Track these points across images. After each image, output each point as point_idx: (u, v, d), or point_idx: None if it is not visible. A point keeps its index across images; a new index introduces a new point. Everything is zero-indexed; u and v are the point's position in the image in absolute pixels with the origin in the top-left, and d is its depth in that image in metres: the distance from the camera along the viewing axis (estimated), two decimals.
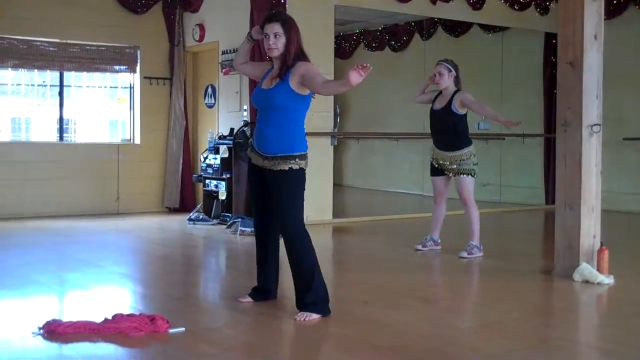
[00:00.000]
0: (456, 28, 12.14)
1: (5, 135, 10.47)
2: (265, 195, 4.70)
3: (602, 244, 5.77)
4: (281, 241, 4.71)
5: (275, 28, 4.54)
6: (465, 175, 6.77)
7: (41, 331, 4.06)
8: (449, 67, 6.85)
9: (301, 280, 4.54)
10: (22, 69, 10.10)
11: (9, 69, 9.97)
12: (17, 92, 10.55)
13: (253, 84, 8.75)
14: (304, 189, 4.65)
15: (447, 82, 6.83)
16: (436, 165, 6.95)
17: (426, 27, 12.58)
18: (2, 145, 9.82)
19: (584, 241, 5.75)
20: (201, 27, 10.24)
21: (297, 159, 4.55)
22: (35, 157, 9.80)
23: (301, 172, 4.60)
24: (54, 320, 4.14)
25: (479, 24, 11.69)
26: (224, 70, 9.78)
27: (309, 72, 4.45)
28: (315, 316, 4.44)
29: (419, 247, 7.12)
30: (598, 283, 5.55)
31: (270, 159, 4.56)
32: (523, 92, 11.98)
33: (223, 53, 9.76)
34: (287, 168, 4.53)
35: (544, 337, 4.31)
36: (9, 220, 9.24)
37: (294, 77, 4.49)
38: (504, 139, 11.88)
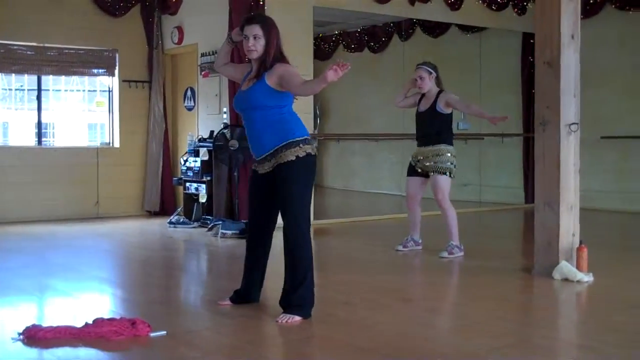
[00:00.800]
0: (434, 29, 12.18)
1: None
2: (264, 201, 4.64)
3: (581, 242, 5.81)
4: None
5: (255, 30, 4.52)
6: (440, 175, 6.78)
7: (21, 337, 4.03)
8: (429, 69, 6.88)
9: (293, 279, 4.50)
10: (0, 73, 10.02)
11: None
12: None
13: (232, 86, 8.76)
14: (313, 179, 4.57)
15: (428, 84, 6.88)
16: (414, 164, 6.97)
17: (405, 28, 12.61)
18: None
19: (563, 239, 5.78)
20: (179, 29, 10.21)
21: (300, 145, 4.46)
22: (14, 162, 9.72)
23: (309, 159, 4.48)
24: (34, 326, 4.11)
25: (457, 25, 11.74)
26: (203, 73, 9.76)
27: (286, 74, 4.42)
28: (297, 318, 4.43)
29: (400, 247, 7.13)
30: (577, 281, 5.58)
31: (275, 154, 4.48)
32: (501, 92, 12.04)
33: (202, 55, 9.74)
34: (293, 158, 4.43)
35: (524, 336, 4.34)
36: None
37: (272, 77, 4.46)
38: (483, 138, 11.94)
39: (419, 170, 6.93)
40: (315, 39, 10.65)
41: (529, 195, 11.13)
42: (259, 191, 4.68)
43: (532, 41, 10.17)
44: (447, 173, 6.80)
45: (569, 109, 5.77)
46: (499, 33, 11.81)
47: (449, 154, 6.80)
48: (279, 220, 4.67)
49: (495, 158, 12.19)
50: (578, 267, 5.71)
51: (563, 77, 5.73)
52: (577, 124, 5.79)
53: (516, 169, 11.88)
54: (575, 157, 5.82)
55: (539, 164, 5.90)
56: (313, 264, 4.57)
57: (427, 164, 6.84)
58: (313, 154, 4.53)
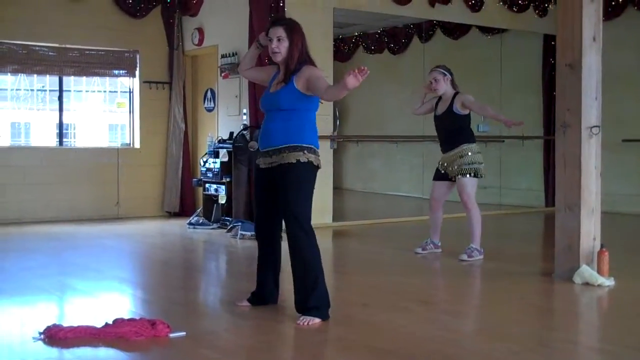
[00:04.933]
0: (455, 30, 12.15)
1: (5, 140, 10.48)
2: (270, 200, 4.66)
3: (602, 246, 5.77)
4: (284, 244, 4.69)
5: (279, 32, 4.55)
6: (463, 177, 6.76)
7: (42, 336, 4.06)
8: (443, 72, 6.88)
9: (304, 283, 4.51)
10: (22, 74, 10.11)
11: (9, 74, 9.98)
12: (16, 97, 10.57)
13: (252, 88, 8.79)
14: (313, 187, 4.57)
15: (443, 87, 6.87)
16: (442, 171, 6.94)
17: (425, 30, 12.59)
18: (1, 150, 9.82)
19: (584, 243, 5.75)
20: (200, 31, 10.25)
21: (305, 151, 4.48)
22: (35, 162, 9.80)
23: (310, 167, 4.51)
24: (54, 325, 4.14)
25: (477, 26, 11.70)
26: (223, 74, 9.79)
27: (312, 77, 4.45)
28: (317, 320, 4.43)
29: (419, 250, 7.11)
30: (598, 285, 5.55)
31: (278, 152, 4.50)
32: (522, 94, 11.98)
33: (222, 57, 9.77)
34: (294, 161, 4.46)
35: (545, 340, 4.31)
36: (8, 225, 9.25)
37: (300, 80, 4.49)
38: (503, 141, 11.88)
39: (446, 174, 6.90)
40: (335, 40, 10.64)
41: (550, 198, 11.07)
42: (264, 188, 4.70)
43: (553, 43, 10.16)
44: (472, 173, 6.76)
45: (591, 111, 5.73)
46: (519, 35, 11.75)
47: (470, 153, 6.77)
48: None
49: (516, 161, 12.13)
50: (599, 271, 5.67)
51: (584, 80, 5.70)
52: (598, 126, 5.76)
53: (537, 171, 11.82)
54: (596, 160, 5.78)
55: (559, 167, 5.87)
56: (321, 264, 4.57)
57: (452, 168, 6.82)
58: (315, 164, 4.54)
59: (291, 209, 4.49)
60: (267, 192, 4.68)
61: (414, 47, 13.10)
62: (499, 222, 10.21)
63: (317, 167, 4.58)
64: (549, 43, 11.27)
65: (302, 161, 4.47)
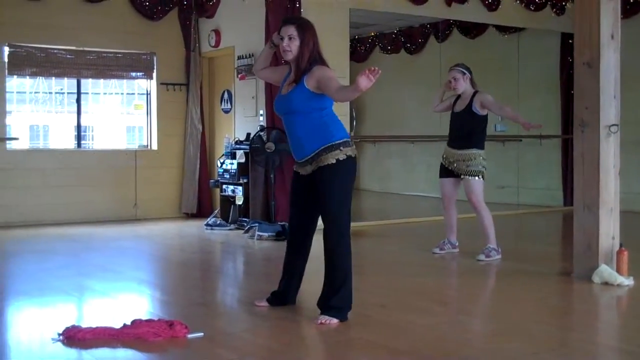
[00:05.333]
0: (472, 29, 12.10)
1: (24, 143, 10.55)
2: (306, 205, 4.65)
3: (621, 245, 5.73)
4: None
5: (290, 30, 4.54)
6: (472, 177, 6.75)
7: (61, 337, 4.09)
8: (463, 70, 6.86)
9: (332, 283, 4.51)
10: (40, 77, 10.19)
11: (27, 77, 10.07)
12: (35, 100, 10.64)
13: (269, 89, 8.80)
14: (353, 181, 4.57)
15: (463, 85, 6.86)
16: (446, 165, 6.94)
17: (441, 29, 12.55)
18: (20, 153, 9.89)
19: (603, 242, 5.71)
20: (217, 32, 10.28)
21: (340, 147, 4.46)
22: (54, 164, 9.86)
23: (350, 162, 4.48)
24: (73, 326, 4.16)
25: (494, 25, 11.65)
26: (239, 76, 9.81)
27: (324, 77, 4.42)
28: (335, 321, 4.43)
29: (437, 250, 7.10)
30: (618, 284, 5.51)
31: (315, 157, 4.48)
32: (540, 93, 11.92)
33: (239, 58, 9.79)
34: (334, 161, 4.44)
35: (564, 340, 4.29)
36: (27, 227, 9.31)
37: (311, 80, 4.47)
38: (521, 140, 11.82)
39: (451, 170, 6.90)
40: (351, 40, 10.62)
41: (568, 198, 11.00)
42: (301, 192, 4.69)
43: (571, 41, 10.10)
44: (480, 175, 6.76)
45: (609, 110, 5.69)
46: (537, 33, 11.69)
47: (481, 158, 6.77)
48: (319, 223, 4.67)
49: (534, 160, 12.06)
50: (618, 271, 5.63)
51: (603, 78, 5.66)
52: (617, 125, 5.72)
53: (555, 171, 11.75)
54: (615, 158, 5.74)
55: (578, 166, 5.83)
56: (351, 267, 4.56)
57: (459, 166, 6.81)
58: (353, 156, 4.53)
59: (331, 210, 4.49)
60: (305, 198, 4.66)
61: (430, 46, 13.05)
62: (517, 222, 10.16)
63: (355, 158, 4.55)
64: (566, 41, 11.21)
65: (341, 159, 4.46)
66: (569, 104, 10.79)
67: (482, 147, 6.83)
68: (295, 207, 4.76)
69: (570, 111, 10.32)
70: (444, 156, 6.98)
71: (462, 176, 6.82)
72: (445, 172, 6.97)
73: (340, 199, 4.49)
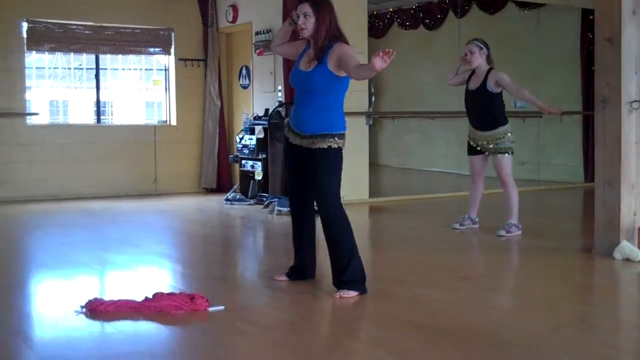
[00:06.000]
0: (491, 5, 12.00)
1: (44, 118, 10.60)
2: (302, 173, 4.69)
3: None
4: (318, 220, 4.70)
5: (305, 8, 4.53)
6: (502, 155, 6.71)
7: (83, 310, 4.12)
8: (480, 45, 6.79)
9: (339, 259, 4.54)
10: (59, 53, 10.20)
11: (46, 52, 10.08)
12: (54, 76, 10.67)
13: (287, 65, 8.77)
14: (341, 168, 4.65)
15: (478, 60, 6.77)
16: (473, 145, 6.90)
17: (460, 5, 12.44)
18: (40, 128, 9.94)
19: (624, 219, 5.66)
20: (234, 8, 10.24)
21: (336, 138, 4.54)
22: (73, 139, 9.91)
23: (339, 152, 4.59)
24: (95, 299, 4.20)
25: (514, 1, 11.54)
26: (257, 51, 9.78)
27: (344, 55, 4.43)
28: (353, 293, 4.45)
29: (457, 226, 7.08)
30: (639, 261, 5.47)
31: (309, 137, 4.56)
32: (560, 70, 11.81)
33: (256, 34, 9.76)
34: (325, 146, 4.52)
35: (585, 315, 4.28)
36: (48, 201, 9.38)
37: (332, 59, 4.47)
38: (541, 116, 11.68)
39: (479, 149, 6.86)
40: (369, 16, 10.55)
41: (589, 174, 10.91)
42: (294, 165, 4.74)
43: (591, 17, 9.97)
44: (510, 152, 6.72)
45: (630, 86, 5.63)
46: (557, 9, 11.55)
47: (508, 134, 6.72)
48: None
49: (554, 136, 11.97)
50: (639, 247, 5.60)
51: (624, 54, 5.59)
52: (638, 101, 5.65)
53: (575, 147, 11.66)
54: (636, 135, 5.68)
55: (599, 142, 5.78)
56: (354, 239, 4.58)
57: (488, 147, 6.76)
58: (343, 148, 4.62)
59: (321, 188, 4.56)
60: (298, 167, 4.71)
61: (449, 22, 12.96)
62: (537, 198, 10.12)
63: (342, 149, 4.63)
64: (587, 17, 11.07)
65: (333, 147, 4.54)
66: (590, 81, 10.67)
67: (505, 122, 6.76)
68: (292, 179, 4.81)
69: (590, 87, 10.21)
70: (470, 136, 6.92)
71: (491, 154, 6.77)
72: (473, 150, 6.93)
73: (330, 177, 4.57)
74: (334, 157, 4.57)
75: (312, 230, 4.86)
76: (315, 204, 4.70)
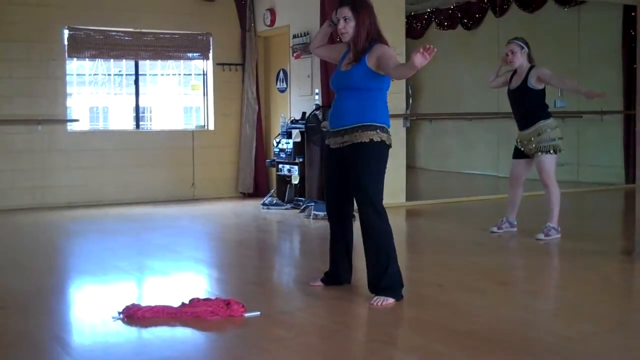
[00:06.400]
0: (530, 3, 11.86)
1: (84, 124, 10.73)
2: (341, 178, 4.64)
3: None
4: (355, 224, 4.68)
5: (345, 12, 4.53)
6: (543, 154, 6.60)
7: (121, 315, 4.17)
8: (521, 44, 6.71)
9: (376, 264, 4.51)
10: (99, 59, 10.33)
11: (87, 59, 10.19)
12: (94, 82, 10.80)
13: (324, 67, 8.77)
14: (385, 167, 4.56)
15: (520, 59, 6.70)
16: (521, 148, 6.80)
17: (499, 4, 12.32)
18: (81, 134, 10.06)
19: None
20: (272, 11, 10.27)
21: (378, 130, 4.46)
22: (113, 145, 10.02)
23: (383, 146, 4.49)
24: (133, 305, 4.24)
25: None
26: (295, 54, 9.80)
27: (384, 55, 4.42)
28: (390, 300, 4.42)
29: (495, 229, 7.01)
30: None
31: (350, 131, 4.48)
32: (601, 68, 11.63)
33: (294, 37, 9.78)
34: (367, 140, 4.44)
35: (625, 320, 4.21)
36: (89, 207, 9.49)
37: (371, 59, 4.46)
38: (581, 116, 11.58)
39: (525, 152, 6.76)
40: (407, 17, 10.53)
41: (630, 175, 10.74)
42: (335, 168, 4.68)
43: (633, 14, 9.83)
44: (551, 150, 6.60)
45: None
46: (598, 6, 11.39)
47: (549, 129, 6.59)
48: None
49: (595, 136, 11.80)
50: None
51: None
52: None
53: (616, 147, 11.47)
54: None
55: None
56: (394, 243, 4.54)
57: (530, 146, 6.67)
58: (388, 143, 4.52)
59: (364, 189, 4.49)
60: (338, 173, 4.66)
61: (488, 22, 12.84)
62: (577, 200, 9.98)
63: (389, 146, 4.56)
64: (629, 14, 10.88)
65: (375, 140, 4.45)
66: (632, 79, 10.51)
67: (547, 116, 6.65)
68: (331, 183, 4.76)
69: (632, 86, 10.06)
70: (518, 140, 6.83)
71: (533, 155, 6.67)
72: (519, 154, 6.84)
73: (372, 176, 4.48)
74: (378, 153, 4.48)
75: (350, 235, 4.83)
76: (355, 206, 4.66)
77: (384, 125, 4.51)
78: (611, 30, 11.47)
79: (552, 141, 6.60)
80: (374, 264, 4.52)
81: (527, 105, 6.69)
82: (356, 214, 4.66)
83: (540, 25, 11.78)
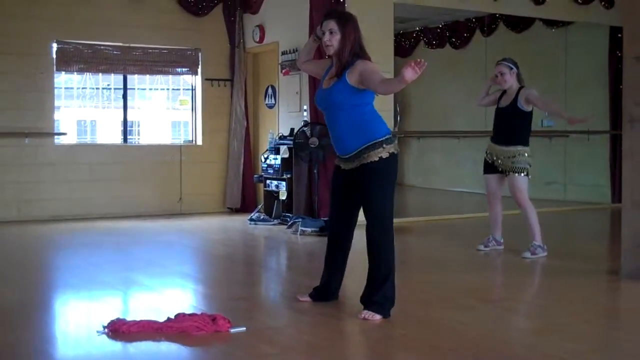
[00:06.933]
0: (518, 23, 11.95)
1: (72, 138, 10.71)
2: (346, 196, 4.65)
3: None
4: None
5: (330, 25, 4.53)
6: (517, 174, 6.66)
7: (106, 330, 4.14)
8: (510, 65, 6.76)
9: (375, 277, 4.52)
10: (87, 73, 10.33)
11: (75, 73, 10.20)
12: (82, 96, 10.79)
13: (313, 84, 8.80)
14: (396, 179, 4.57)
15: (509, 81, 6.75)
16: (490, 161, 6.86)
17: (487, 23, 12.41)
18: (68, 148, 10.04)
19: None
20: (261, 28, 10.31)
21: (383, 145, 4.46)
22: (101, 159, 10.00)
23: (393, 160, 4.49)
24: (118, 320, 4.22)
25: (541, 19, 11.49)
26: (283, 71, 9.82)
27: (367, 71, 4.41)
28: (377, 317, 4.42)
29: (481, 247, 7.03)
30: None
31: (358, 155, 4.48)
32: (588, 88, 11.72)
33: (283, 53, 9.81)
34: (377, 159, 4.44)
35: (611, 340, 4.22)
36: (75, 220, 9.45)
37: (353, 75, 4.46)
38: (568, 136, 11.65)
39: (495, 166, 6.82)
40: (395, 35, 10.58)
41: (616, 195, 10.81)
42: (342, 187, 4.69)
43: (620, 35, 9.90)
44: (524, 172, 6.67)
45: None
46: (585, 27, 11.50)
47: (526, 154, 6.68)
48: (360, 218, 4.66)
49: (581, 156, 11.88)
50: None
51: None
52: None
53: (603, 167, 11.54)
54: None
55: (627, 163, 5.72)
56: (395, 263, 4.55)
57: (504, 163, 6.72)
58: (396, 152, 4.53)
59: (375, 206, 4.51)
60: (345, 192, 4.66)
61: (476, 41, 12.93)
62: (564, 219, 10.02)
63: (397, 154, 4.55)
64: (615, 35, 11.00)
65: (384, 157, 4.46)
66: (618, 99, 10.59)
67: (526, 144, 6.74)
68: (335, 201, 4.76)
69: (619, 107, 10.13)
70: (488, 152, 6.90)
71: (507, 173, 6.74)
72: (490, 168, 6.89)
73: (383, 196, 4.50)
74: (388, 170, 4.48)
75: (347, 253, 4.84)
76: (352, 229, 4.69)
77: (386, 137, 4.50)
78: (598, 51, 11.57)
79: (526, 164, 6.67)
80: (373, 277, 4.54)
81: (512, 126, 6.73)
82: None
83: (527, 45, 11.86)
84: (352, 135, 4.49)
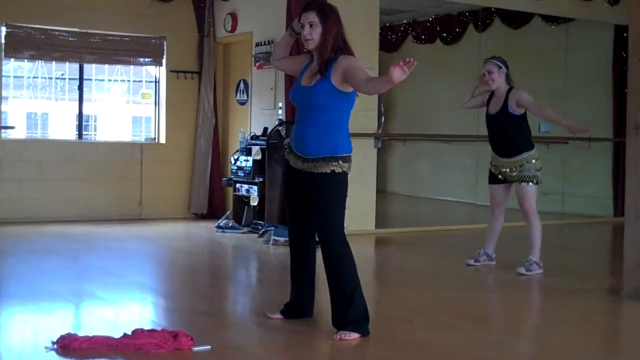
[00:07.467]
0: (515, 19, 12.05)
1: (20, 132, 10.64)
2: (302, 201, 4.68)
3: None
4: (319, 253, 4.69)
5: (310, 17, 4.54)
6: (526, 183, 6.70)
7: (55, 346, 4.10)
8: (499, 64, 6.79)
9: (340, 296, 4.52)
10: (40, 61, 10.26)
11: (26, 60, 10.14)
12: (33, 86, 10.72)
13: (289, 80, 8.80)
14: (346, 195, 4.64)
15: (498, 80, 6.77)
16: (495, 173, 6.89)
17: (482, 18, 12.50)
18: (16, 143, 9.97)
19: None
20: (233, 16, 10.30)
21: (340, 161, 4.53)
22: (52, 157, 9.94)
23: (344, 176, 4.58)
24: (68, 335, 4.18)
25: (540, 15, 11.59)
26: (257, 64, 9.82)
27: (351, 67, 4.43)
28: (354, 335, 4.42)
29: (471, 261, 7.06)
30: None
31: (311, 161, 4.55)
32: (590, 91, 11.84)
33: (257, 45, 9.81)
34: (328, 171, 4.51)
35: None
36: (22, 224, 9.38)
37: (336, 73, 4.48)
38: (567, 142, 11.74)
39: (502, 178, 6.85)
40: (381, 28, 10.63)
41: (619, 207, 10.91)
42: (296, 189, 4.73)
43: (625, 34, 10.01)
44: (534, 181, 6.71)
45: None
46: (588, 25, 11.61)
47: (533, 161, 6.71)
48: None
49: (581, 165, 11.98)
50: None
51: None
52: None
53: (604, 177, 11.66)
54: None
55: (630, 173, 5.77)
56: (358, 275, 4.57)
57: (512, 174, 6.75)
58: (347, 172, 4.60)
59: (324, 219, 4.55)
60: (298, 193, 4.70)
61: (469, 36, 13.02)
62: (561, 233, 10.10)
63: (347, 174, 4.63)
64: (620, 34, 11.12)
65: (336, 172, 4.53)
66: (622, 104, 10.69)
67: (531, 147, 6.76)
68: (292, 207, 4.80)
69: (623, 111, 10.23)
70: (492, 163, 6.92)
71: (514, 182, 6.77)
72: (495, 178, 6.92)
73: (333, 206, 4.56)
74: (338, 183, 4.56)
75: (313, 263, 4.85)
76: (313, 236, 4.70)
77: (345, 155, 4.58)
78: (601, 51, 11.69)
79: (536, 171, 6.70)
80: (338, 297, 4.54)
81: (509, 134, 6.76)
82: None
83: (525, 43, 11.96)
84: (317, 141, 4.54)
